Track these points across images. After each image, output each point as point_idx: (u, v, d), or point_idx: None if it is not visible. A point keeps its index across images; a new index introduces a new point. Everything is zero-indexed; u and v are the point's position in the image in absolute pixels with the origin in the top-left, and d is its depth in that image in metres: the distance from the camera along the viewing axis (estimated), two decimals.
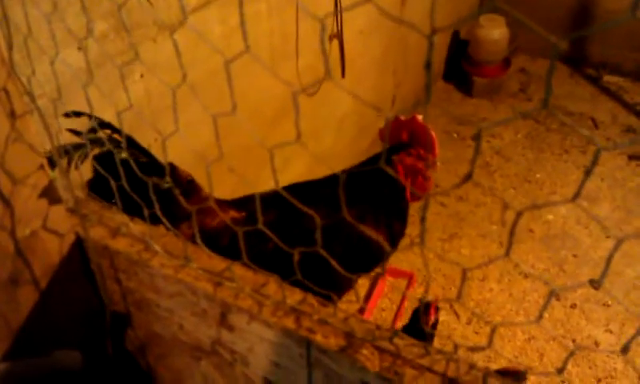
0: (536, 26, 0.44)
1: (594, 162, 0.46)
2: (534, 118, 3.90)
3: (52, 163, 0.95)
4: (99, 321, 1.09)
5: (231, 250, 0.95)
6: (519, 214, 0.53)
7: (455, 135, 3.78)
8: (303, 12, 2.40)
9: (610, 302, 2.75)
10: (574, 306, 2.75)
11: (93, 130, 1.20)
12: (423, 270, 2.84)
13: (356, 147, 3.36)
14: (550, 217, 3.17)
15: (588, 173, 0.48)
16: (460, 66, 4.16)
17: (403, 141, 1.70)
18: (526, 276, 2.87)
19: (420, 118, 1.66)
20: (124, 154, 1.21)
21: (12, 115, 0.83)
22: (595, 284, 2.85)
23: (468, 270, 0.58)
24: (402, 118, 1.71)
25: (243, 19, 0.63)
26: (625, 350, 0.56)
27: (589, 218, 3.10)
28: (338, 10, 2.64)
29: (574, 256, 2.97)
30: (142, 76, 1.85)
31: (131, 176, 0.91)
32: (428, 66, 0.45)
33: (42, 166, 0.90)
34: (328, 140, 3.05)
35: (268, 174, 2.56)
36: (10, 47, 0.80)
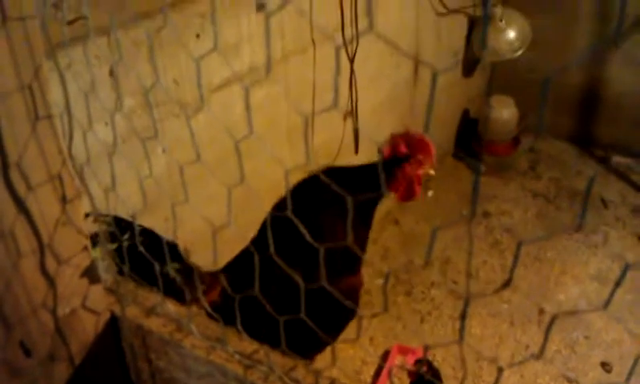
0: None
1: (623, 277, 0.50)
2: (545, 197, 3.95)
3: (94, 242, 1.00)
4: None
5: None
6: (554, 318, 0.56)
7: (465, 212, 3.83)
8: (319, 91, 2.48)
9: None
10: None
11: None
12: (433, 347, 2.83)
13: None
14: (562, 297, 3.18)
15: (618, 284, 0.52)
16: (470, 144, 4.24)
17: (401, 153, 1.76)
18: (537, 357, 2.86)
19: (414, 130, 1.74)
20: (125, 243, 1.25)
21: (63, 200, 0.89)
22: (607, 367, 2.83)
23: (507, 367, 0.61)
24: (398, 134, 1.78)
25: (248, 104, 0.69)
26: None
27: (600, 301, 3.10)
28: (353, 89, 2.74)
29: (586, 338, 2.96)
30: (163, 151, 1.92)
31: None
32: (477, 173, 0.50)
33: (85, 248, 0.95)
34: None
35: None
36: (70, 138, 0.86)
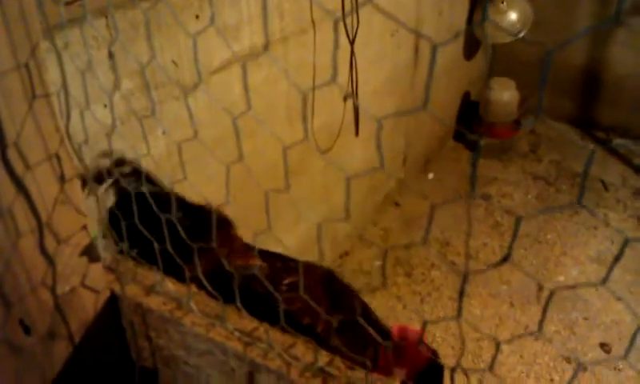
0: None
1: (621, 252, 0.50)
2: (545, 179, 3.95)
3: (85, 183, 1.00)
4: (128, 376, 1.12)
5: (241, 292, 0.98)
6: (552, 294, 0.56)
7: (463, 193, 3.83)
8: (319, 73, 2.48)
9: (621, 366, 2.74)
10: (584, 370, 2.74)
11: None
12: (433, 329, 2.84)
13: (366, 204, 3.41)
14: (561, 278, 3.19)
15: (617, 259, 0.52)
16: (471, 126, 4.24)
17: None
18: (536, 338, 2.87)
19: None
20: (143, 188, 1.24)
21: (62, 179, 0.89)
22: (606, 347, 2.85)
23: (504, 343, 0.62)
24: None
25: (246, 83, 0.68)
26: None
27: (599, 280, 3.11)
28: (352, 71, 2.74)
29: (585, 319, 2.98)
30: (163, 132, 1.92)
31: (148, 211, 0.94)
32: (474, 165, 0.50)
33: (84, 227, 0.95)
34: (338, 197, 3.11)
35: (279, 228, 2.60)
36: (67, 117, 0.86)
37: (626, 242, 0.48)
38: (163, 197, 1.30)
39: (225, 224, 1.47)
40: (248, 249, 1.57)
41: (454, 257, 3.33)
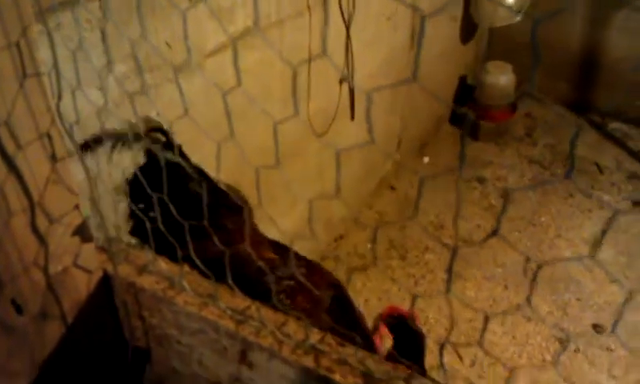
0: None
1: (611, 223, 0.51)
2: (540, 163, 3.95)
3: (86, 147, 1.00)
4: (121, 356, 1.13)
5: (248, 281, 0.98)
6: (539, 267, 0.57)
7: (458, 174, 3.84)
8: (314, 56, 2.47)
9: (613, 347, 2.77)
10: (577, 351, 2.76)
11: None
12: (426, 310, 2.86)
13: (361, 188, 3.42)
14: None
15: (604, 233, 0.52)
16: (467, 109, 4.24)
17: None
18: (529, 319, 2.89)
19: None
20: (169, 155, 1.23)
21: (53, 158, 0.89)
22: (599, 328, 2.87)
23: (491, 316, 0.62)
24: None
25: (236, 59, 0.68)
26: None
27: (593, 263, 3.12)
28: (348, 55, 2.73)
29: (578, 300, 3.00)
30: (157, 114, 1.92)
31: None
32: (462, 137, 0.50)
33: (77, 206, 0.96)
34: (333, 181, 3.11)
35: (274, 213, 2.61)
36: (58, 97, 0.86)
37: (615, 213, 0.48)
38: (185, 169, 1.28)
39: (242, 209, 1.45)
40: (263, 239, 1.56)
41: (448, 239, 3.35)
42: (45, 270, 0.96)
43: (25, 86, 0.87)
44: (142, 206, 1.05)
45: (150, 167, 1.10)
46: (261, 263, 1.34)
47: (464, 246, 3.31)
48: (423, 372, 1.75)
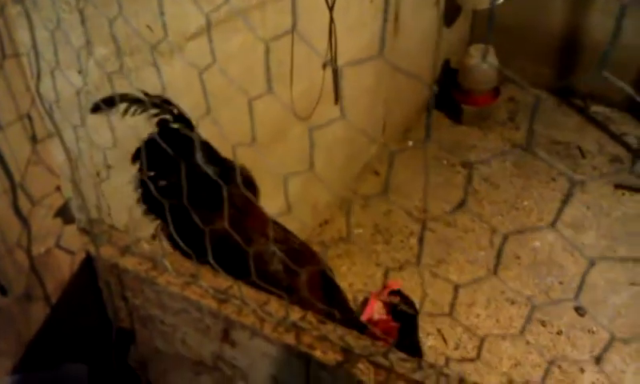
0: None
1: (570, 193, 0.52)
2: (522, 147, 3.99)
3: (96, 108, 1.01)
4: (105, 336, 1.14)
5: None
6: (505, 238, 0.59)
7: (445, 162, 3.86)
8: (297, 40, 2.47)
9: (595, 329, 2.81)
10: (559, 333, 2.80)
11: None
12: (413, 293, 2.88)
13: (345, 173, 3.43)
14: (537, 244, 3.24)
15: (566, 201, 0.54)
16: (450, 94, 4.25)
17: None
18: (512, 302, 2.93)
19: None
20: (176, 125, 1.23)
21: (33, 139, 0.89)
22: (581, 311, 2.92)
23: (460, 286, 0.64)
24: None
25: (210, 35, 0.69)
26: (598, 360, 0.62)
27: (574, 247, 3.17)
28: (332, 38, 2.73)
29: (560, 283, 3.04)
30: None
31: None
32: (429, 109, 0.51)
33: (58, 188, 0.96)
34: (317, 165, 3.11)
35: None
36: (38, 77, 0.86)
37: (572, 184, 0.50)
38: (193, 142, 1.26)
39: (250, 187, 1.45)
40: (267, 218, 1.56)
41: (432, 224, 3.37)
42: (28, 251, 0.96)
43: (4, 66, 0.87)
44: (152, 173, 1.06)
45: (160, 138, 1.10)
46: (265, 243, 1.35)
47: (450, 235, 3.33)
48: (418, 349, 1.78)
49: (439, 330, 2.79)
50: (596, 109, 4.33)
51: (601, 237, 3.30)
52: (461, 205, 0.56)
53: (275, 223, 1.55)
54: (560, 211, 0.53)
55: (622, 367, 2.65)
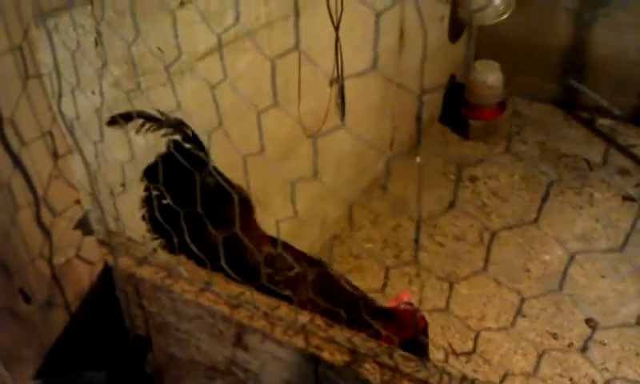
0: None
1: (547, 194, 0.56)
2: (530, 160, 4.02)
3: (113, 122, 1.07)
4: (123, 344, 1.18)
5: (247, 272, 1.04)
6: (494, 234, 0.63)
7: (452, 177, 3.90)
8: (305, 60, 2.53)
9: (606, 341, 2.82)
10: (570, 345, 2.81)
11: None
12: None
13: (354, 188, 3.48)
14: (547, 257, 3.26)
15: (544, 199, 0.58)
16: (456, 108, 4.30)
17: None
18: (523, 315, 2.94)
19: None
20: (188, 146, 1.28)
21: (55, 155, 0.94)
22: (592, 323, 2.93)
23: (456, 282, 0.68)
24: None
25: (222, 54, 0.74)
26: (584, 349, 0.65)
27: (584, 259, 3.18)
28: (338, 56, 2.79)
29: (570, 295, 3.05)
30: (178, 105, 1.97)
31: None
32: (419, 119, 0.56)
33: (78, 201, 1.01)
34: (326, 180, 3.17)
35: (271, 213, 2.66)
36: (59, 96, 0.92)
37: (551, 184, 0.54)
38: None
39: (246, 207, 1.52)
40: (263, 234, 1.62)
41: (442, 238, 3.40)
42: (49, 261, 1.01)
43: (27, 86, 0.93)
44: (156, 192, 1.11)
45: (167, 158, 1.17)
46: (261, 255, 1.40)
47: (459, 249, 3.36)
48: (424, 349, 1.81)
49: (450, 344, 2.80)
50: (602, 121, 4.37)
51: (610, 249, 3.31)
52: (451, 205, 0.60)
53: (272, 238, 1.60)
54: (540, 210, 0.57)
55: (636, 377, 2.66)
